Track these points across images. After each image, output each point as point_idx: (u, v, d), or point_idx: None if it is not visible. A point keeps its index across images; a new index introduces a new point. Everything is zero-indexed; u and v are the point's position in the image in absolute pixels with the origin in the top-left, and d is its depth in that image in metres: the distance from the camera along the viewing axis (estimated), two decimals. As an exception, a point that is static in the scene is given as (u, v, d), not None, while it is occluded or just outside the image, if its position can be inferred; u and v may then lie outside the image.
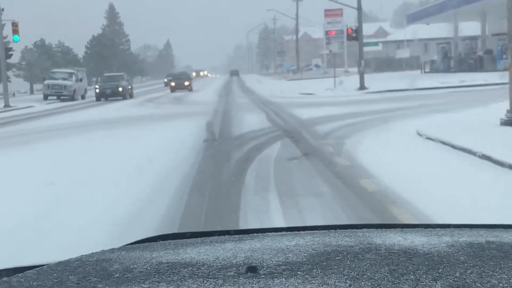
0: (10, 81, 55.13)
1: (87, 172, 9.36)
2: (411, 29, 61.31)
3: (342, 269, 1.08)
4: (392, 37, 76.05)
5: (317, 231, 1.51)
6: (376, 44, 64.11)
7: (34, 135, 16.28)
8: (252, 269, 1.10)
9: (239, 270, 1.11)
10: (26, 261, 1.51)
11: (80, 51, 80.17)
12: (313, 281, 1.02)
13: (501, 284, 1.00)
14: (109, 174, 9.14)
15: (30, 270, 1.23)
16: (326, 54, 69.90)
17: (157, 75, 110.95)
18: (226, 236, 1.53)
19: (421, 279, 1.02)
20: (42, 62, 63.15)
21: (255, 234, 1.53)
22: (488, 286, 0.99)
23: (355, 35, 32.51)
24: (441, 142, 10.50)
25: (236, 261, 1.17)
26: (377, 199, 6.58)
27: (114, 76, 40.59)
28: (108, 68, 69.21)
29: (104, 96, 37.27)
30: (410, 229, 1.51)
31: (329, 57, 62.35)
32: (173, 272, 1.12)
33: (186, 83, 45.41)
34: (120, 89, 37.48)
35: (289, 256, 1.19)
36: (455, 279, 1.02)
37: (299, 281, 1.03)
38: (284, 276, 1.06)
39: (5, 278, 1.18)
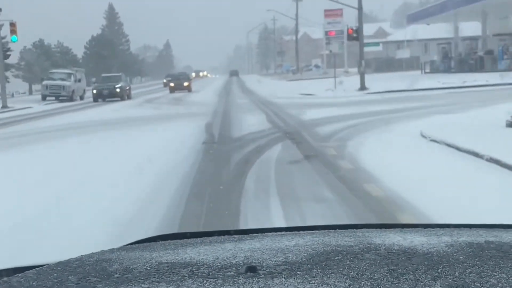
0: (8, 82, 54.95)
1: (84, 175, 9.19)
2: (411, 29, 61.17)
3: (341, 269, 1.08)
4: (392, 38, 75.90)
5: (317, 231, 1.51)
6: (376, 44, 63.96)
7: (31, 137, 16.06)
8: (252, 269, 1.10)
9: (239, 270, 1.11)
10: (26, 261, 1.50)
11: (79, 51, 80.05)
12: (313, 281, 1.02)
13: (500, 284, 0.99)
14: (107, 175, 9.07)
15: (30, 270, 1.23)
16: (326, 54, 69.79)
17: (156, 76, 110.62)
18: (226, 236, 1.52)
19: (420, 278, 1.02)
20: (41, 62, 62.94)
21: (255, 234, 1.53)
22: (488, 285, 0.99)
23: (356, 35, 32.31)
24: (446, 144, 10.25)
25: (236, 261, 1.17)
26: (383, 205, 6.33)
27: (112, 77, 40.05)
28: (108, 68, 68.90)
29: (102, 97, 36.82)
30: (410, 229, 1.51)
31: (329, 58, 62.21)
32: (173, 272, 1.11)
33: (186, 84, 45.09)
34: (118, 90, 37.01)
35: (289, 256, 1.18)
36: (455, 279, 1.02)
37: (299, 281, 1.03)
38: (283, 276, 1.06)
39: (5, 278, 1.18)
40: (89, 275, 1.14)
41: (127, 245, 1.50)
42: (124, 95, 37.39)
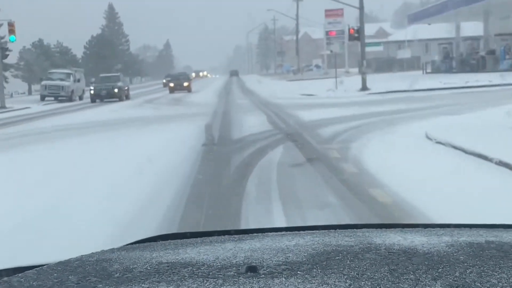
0: (7, 82, 54.78)
1: (79, 178, 8.92)
2: (411, 29, 60.95)
3: (342, 269, 1.08)
4: (393, 38, 75.69)
5: (317, 231, 1.50)
6: (378, 44, 63.79)
7: (29, 138, 15.80)
8: (252, 269, 1.09)
9: (239, 270, 1.10)
10: (26, 261, 1.48)
11: (79, 51, 79.84)
12: (313, 281, 1.02)
13: (500, 284, 0.99)
14: (107, 176, 8.90)
15: (30, 270, 1.23)
16: (326, 54, 69.60)
17: (156, 76, 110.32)
18: (226, 236, 1.51)
19: (421, 278, 1.02)
20: (40, 62, 62.70)
21: (255, 234, 1.52)
22: (488, 285, 0.98)
23: (357, 35, 32.04)
24: (452, 146, 9.96)
25: (236, 261, 1.17)
26: (391, 212, 6.04)
27: (110, 77, 39.44)
28: (108, 68, 68.63)
29: (100, 97, 36.29)
30: (410, 229, 1.50)
31: (330, 58, 61.97)
32: (173, 272, 1.11)
33: (185, 84, 44.74)
34: (116, 90, 36.47)
35: (289, 256, 1.18)
36: (455, 279, 1.01)
37: (299, 280, 1.02)
38: (284, 276, 1.05)
39: (5, 278, 1.18)
40: (89, 275, 1.14)
41: (127, 245, 1.49)
42: (122, 96, 36.90)
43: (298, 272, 1.07)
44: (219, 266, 1.14)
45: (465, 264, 1.10)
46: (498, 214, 5.53)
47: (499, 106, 15.35)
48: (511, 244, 1.26)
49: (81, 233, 5.57)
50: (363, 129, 13.96)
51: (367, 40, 37.85)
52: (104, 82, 37.77)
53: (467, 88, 28.14)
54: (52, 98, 39.58)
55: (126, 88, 38.87)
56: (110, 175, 8.99)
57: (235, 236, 1.50)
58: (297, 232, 1.50)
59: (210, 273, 1.09)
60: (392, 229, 1.51)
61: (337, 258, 1.16)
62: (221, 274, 1.09)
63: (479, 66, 40.78)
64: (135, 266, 1.18)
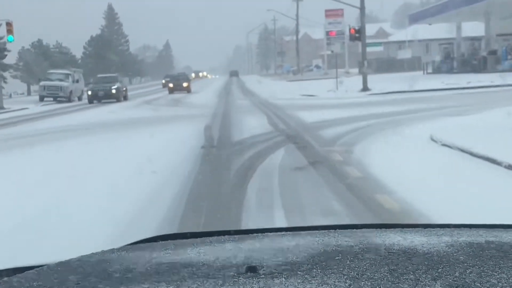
0: (6, 82, 54.55)
1: (79, 178, 8.71)
2: (412, 30, 60.73)
3: (341, 269, 1.08)
4: (393, 38, 75.47)
5: (317, 231, 1.49)
6: (379, 44, 63.56)
7: (27, 139, 15.52)
8: (252, 269, 1.09)
9: (239, 270, 1.10)
10: (26, 261, 1.47)
11: (78, 51, 79.52)
12: (313, 281, 1.01)
13: (500, 284, 0.99)
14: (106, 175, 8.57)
15: (30, 270, 1.23)
16: (326, 54, 69.36)
17: (156, 76, 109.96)
18: (226, 236, 1.50)
19: (420, 278, 1.02)
20: (39, 62, 62.39)
21: (255, 234, 1.51)
22: (488, 285, 0.98)
23: (358, 35, 31.75)
24: (459, 149, 9.66)
25: (236, 261, 1.17)
26: (400, 220, 5.74)
27: (107, 77, 38.61)
28: (107, 69, 68.25)
29: (97, 98, 35.62)
30: (410, 229, 1.49)
31: (330, 58, 61.74)
32: (173, 272, 1.11)
33: (185, 84, 44.39)
34: (114, 91, 35.82)
35: (289, 256, 1.18)
36: (455, 279, 1.01)
37: (299, 281, 1.02)
38: (284, 276, 1.05)
39: (5, 278, 1.18)
40: (89, 275, 1.14)
41: (127, 245, 1.49)
42: (120, 97, 36.25)
43: (298, 272, 1.07)
44: (219, 266, 1.13)
45: (465, 264, 1.09)
46: (505, 213, 5.26)
47: (503, 107, 15.05)
48: (511, 244, 1.25)
49: (81, 233, 5.57)
50: (366, 131, 13.67)
51: (367, 41, 37.57)
52: (102, 82, 37.04)
53: (469, 88, 27.86)
54: (51, 99, 39.28)
55: (124, 88, 38.28)
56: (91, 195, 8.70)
57: (235, 236, 1.49)
58: (297, 232, 1.50)
59: (210, 273, 1.09)
60: (392, 229, 1.51)
61: (337, 258, 1.15)
62: (221, 274, 1.08)
63: (480, 66, 40.52)
64: (135, 266, 1.18)
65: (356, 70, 54.81)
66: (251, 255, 1.21)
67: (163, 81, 59.70)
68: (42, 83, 40.68)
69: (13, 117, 26.53)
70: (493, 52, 41.20)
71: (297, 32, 77.30)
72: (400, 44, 69.54)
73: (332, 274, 1.05)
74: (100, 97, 35.76)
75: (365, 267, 1.08)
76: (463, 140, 10.09)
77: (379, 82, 34.37)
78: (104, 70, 63.71)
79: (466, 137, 10.43)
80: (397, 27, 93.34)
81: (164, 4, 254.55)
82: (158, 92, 46.89)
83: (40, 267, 1.25)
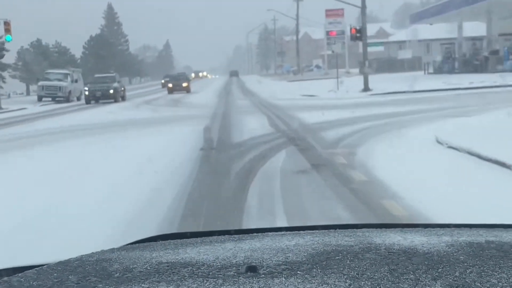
0: (5, 82, 54.26)
1: (79, 178, 8.48)
2: (412, 30, 60.47)
3: (342, 269, 1.07)
4: (393, 38, 75.20)
5: (317, 231, 1.49)
6: (380, 44, 63.32)
7: (24, 141, 15.27)
8: (252, 269, 1.09)
9: (239, 269, 1.10)
10: (26, 261, 1.46)
11: (77, 51, 79.22)
12: (313, 281, 1.01)
13: (500, 284, 0.99)
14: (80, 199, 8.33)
15: (30, 270, 1.23)
16: (327, 54, 69.10)
17: (156, 76, 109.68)
18: (226, 236, 1.50)
19: (420, 278, 1.02)
20: (38, 62, 62.09)
21: (255, 234, 1.50)
22: (488, 285, 0.98)
23: (359, 35, 31.47)
24: (466, 152, 9.36)
25: (236, 261, 1.17)
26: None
27: (105, 77, 37.95)
28: (106, 69, 67.93)
29: (95, 98, 35.14)
30: (410, 228, 1.48)
31: (330, 58, 61.50)
32: (173, 272, 1.11)
33: (184, 85, 44.11)
34: (111, 91, 35.29)
35: (289, 256, 1.18)
36: (455, 279, 1.01)
37: (299, 280, 1.02)
38: (284, 275, 1.05)
39: (5, 278, 1.18)
40: (89, 275, 1.13)
41: (127, 244, 1.48)
42: (118, 97, 35.79)
43: (298, 272, 1.07)
44: (219, 266, 1.13)
45: (465, 264, 1.09)
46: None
47: (507, 107, 14.75)
48: (511, 244, 1.25)
49: (81, 233, 5.57)
50: (369, 132, 13.39)
51: (367, 41, 37.29)
52: (99, 82, 36.49)
53: (472, 89, 27.57)
54: (50, 99, 39.00)
55: (122, 89, 37.75)
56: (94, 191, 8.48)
57: (235, 236, 1.49)
58: (297, 232, 1.49)
59: (210, 273, 1.09)
60: (392, 229, 1.50)
61: (337, 258, 1.15)
62: (221, 274, 1.08)
63: (482, 66, 40.24)
64: (135, 266, 1.17)
65: (356, 70, 54.55)
66: (251, 255, 1.20)
67: (163, 81, 59.44)
68: (40, 83, 40.42)
69: (11, 117, 26.32)
70: (495, 52, 40.93)
71: (297, 32, 77.03)
72: (401, 44, 69.28)
73: (332, 274, 1.04)
74: (97, 98, 35.30)
75: (365, 267, 1.08)
76: (469, 142, 9.80)
77: (380, 82, 34.07)
78: (103, 70, 63.42)
79: (472, 139, 10.14)
80: (397, 27, 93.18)
81: (164, 4, 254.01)
82: (158, 92, 46.64)
83: (40, 267, 1.24)
